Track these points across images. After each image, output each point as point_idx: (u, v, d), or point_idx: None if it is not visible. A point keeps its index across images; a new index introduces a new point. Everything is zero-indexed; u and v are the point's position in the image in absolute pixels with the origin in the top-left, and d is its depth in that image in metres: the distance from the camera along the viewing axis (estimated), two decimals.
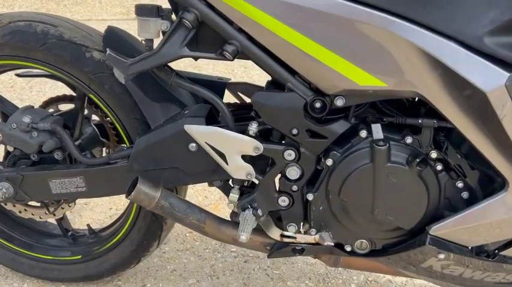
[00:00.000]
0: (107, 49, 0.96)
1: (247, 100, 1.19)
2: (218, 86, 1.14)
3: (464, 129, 0.82)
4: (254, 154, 0.97)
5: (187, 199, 1.70)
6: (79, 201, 1.75)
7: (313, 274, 1.46)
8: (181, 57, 0.94)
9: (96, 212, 1.72)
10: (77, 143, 1.19)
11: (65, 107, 1.26)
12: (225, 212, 1.62)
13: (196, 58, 0.97)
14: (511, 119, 0.76)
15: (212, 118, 1.04)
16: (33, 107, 1.17)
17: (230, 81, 1.17)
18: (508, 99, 0.74)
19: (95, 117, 1.28)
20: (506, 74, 0.74)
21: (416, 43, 0.80)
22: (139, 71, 0.95)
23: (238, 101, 1.21)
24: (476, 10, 0.76)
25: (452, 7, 0.77)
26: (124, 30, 1.12)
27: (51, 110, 1.25)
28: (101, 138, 1.29)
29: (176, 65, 1.02)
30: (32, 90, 2.73)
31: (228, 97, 1.14)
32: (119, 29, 1.11)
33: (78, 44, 1.08)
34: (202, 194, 1.85)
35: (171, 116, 1.07)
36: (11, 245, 1.34)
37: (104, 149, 1.31)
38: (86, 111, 1.24)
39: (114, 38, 1.07)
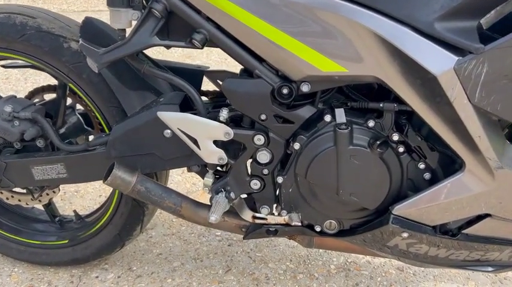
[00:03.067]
0: (80, 39, 1.00)
1: None
2: (196, 74, 1.18)
3: (422, 112, 0.85)
4: (225, 139, 1.00)
5: (176, 186, 1.75)
6: (69, 189, 1.80)
7: (294, 256, 1.50)
8: (152, 46, 0.97)
9: (86, 199, 1.77)
10: (60, 131, 1.24)
11: (50, 96, 1.30)
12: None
13: (167, 47, 1.00)
14: (461, 101, 0.79)
15: (187, 105, 1.08)
16: (15, 96, 1.20)
17: (208, 69, 1.20)
18: (457, 82, 0.77)
19: (80, 106, 1.32)
20: (455, 58, 0.77)
21: (373, 29, 0.82)
22: (111, 60, 0.98)
23: (217, 89, 1.24)
24: None
25: None
26: (101, 21, 1.15)
27: (36, 100, 1.30)
28: (86, 127, 1.32)
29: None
30: (26, 81, 2.78)
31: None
32: (97, 19, 1.14)
33: (56, 35, 1.11)
34: (191, 181, 1.89)
35: (147, 104, 1.10)
36: (0, 231, 1.39)
37: (90, 137, 1.35)
38: (70, 101, 1.28)
39: (90, 29, 1.10)
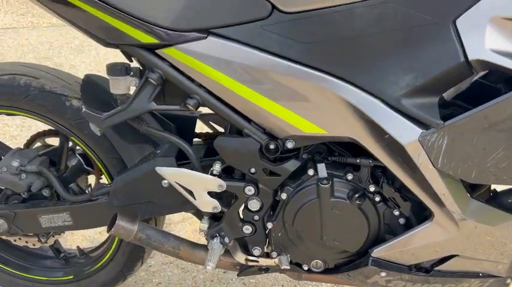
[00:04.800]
0: (82, 107, 1.08)
1: (220, 129, 1.32)
2: (189, 119, 1.27)
3: (393, 170, 0.96)
4: (218, 191, 1.10)
5: None
6: None
7: (286, 280, 1.60)
8: (149, 111, 1.06)
9: (88, 229, 1.85)
10: (63, 175, 1.33)
11: (51, 140, 1.39)
12: None
13: (163, 110, 1.09)
14: (427, 166, 0.89)
15: (183, 155, 1.17)
16: (21, 148, 1.29)
17: (201, 113, 1.29)
18: (422, 151, 0.87)
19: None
20: (420, 130, 0.87)
21: (348, 99, 0.92)
22: (112, 124, 1.07)
23: (210, 131, 1.33)
24: (394, 74, 0.88)
25: (376, 71, 0.90)
26: (100, 77, 1.23)
27: (38, 144, 1.38)
28: (86, 167, 1.41)
29: None
30: None
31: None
32: (96, 76, 1.23)
33: (58, 94, 1.20)
34: None
35: (145, 156, 1.19)
36: (8, 268, 1.47)
37: (89, 176, 1.44)
38: (70, 143, 1.37)
39: (90, 87, 1.19)
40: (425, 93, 0.87)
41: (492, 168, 0.86)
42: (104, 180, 1.35)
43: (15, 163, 1.21)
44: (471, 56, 0.81)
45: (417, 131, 0.87)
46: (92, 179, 1.41)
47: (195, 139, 1.29)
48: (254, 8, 0.96)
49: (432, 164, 0.88)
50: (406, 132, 0.88)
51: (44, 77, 1.21)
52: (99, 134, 1.10)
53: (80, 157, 1.40)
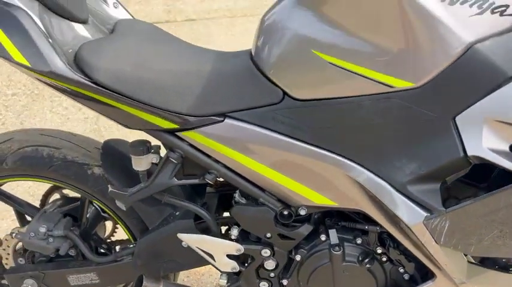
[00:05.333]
0: (109, 186, 1.16)
1: None
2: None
3: (400, 239, 1.05)
4: (236, 254, 1.19)
5: None
6: None
7: None
8: (171, 186, 1.14)
9: None
10: (85, 228, 1.41)
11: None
12: None
13: (184, 185, 1.17)
14: (430, 243, 0.98)
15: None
16: (45, 211, 1.36)
17: None
18: (426, 231, 0.97)
19: None
20: (424, 214, 0.96)
21: (357, 179, 1.01)
22: (137, 200, 1.15)
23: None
24: (399, 161, 0.97)
25: (382, 157, 0.98)
26: (119, 141, 1.30)
27: (56, 196, 1.45)
28: (103, 214, 1.49)
29: None
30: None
31: None
32: (114, 141, 1.30)
33: (80, 163, 1.26)
34: None
35: (165, 218, 1.27)
36: None
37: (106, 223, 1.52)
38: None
39: (110, 154, 1.26)
40: (428, 181, 0.95)
41: (489, 244, 0.95)
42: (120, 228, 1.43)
43: (43, 229, 1.28)
44: (470, 152, 0.89)
45: (422, 214, 0.96)
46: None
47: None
48: (267, 95, 1.03)
49: (435, 241, 0.97)
50: (411, 215, 0.97)
51: (65, 147, 1.28)
52: (124, 209, 1.17)
53: (97, 207, 1.48)
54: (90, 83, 0.98)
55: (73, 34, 1.06)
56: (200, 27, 3.90)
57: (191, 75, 1.07)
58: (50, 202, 1.46)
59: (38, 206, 1.45)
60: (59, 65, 0.95)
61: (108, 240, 1.50)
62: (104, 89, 0.99)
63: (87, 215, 1.43)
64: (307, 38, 0.96)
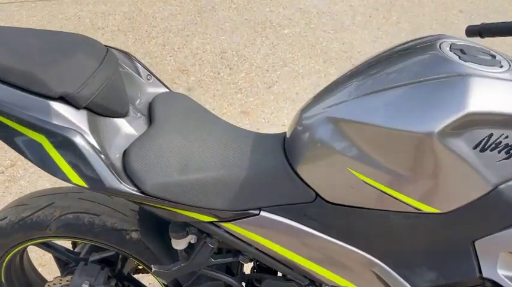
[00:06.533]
0: (152, 266, 1.26)
1: None
2: None
3: None
4: None
5: None
6: None
7: None
8: (208, 265, 1.25)
9: None
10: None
11: None
12: None
13: (219, 264, 1.27)
14: None
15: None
16: (85, 264, 1.47)
17: None
18: None
19: None
20: None
21: (380, 275, 1.12)
22: (176, 276, 1.26)
23: None
24: (420, 268, 1.07)
25: (405, 261, 1.09)
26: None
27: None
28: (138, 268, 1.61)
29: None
30: None
31: None
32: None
33: (119, 230, 1.36)
34: None
35: (198, 277, 1.39)
36: None
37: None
38: None
39: (147, 218, 1.35)
40: None
41: None
42: None
43: (86, 285, 1.40)
44: (485, 274, 1.00)
45: None
46: None
47: None
48: (301, 194, 1.12)
49: None
50: None
51: (104, 213, 1.36)
52: (166, 283, 1.29)
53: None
54: (140, 194, 1.05)
55: (119, 133, 1.12)
56: None
57: (230, 173, 1.14)
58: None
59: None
60: (113, 183, 1.01)
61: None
62: (152, 197, 1.07)
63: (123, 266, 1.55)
64: (343, 157, 1.02)
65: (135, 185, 1.06)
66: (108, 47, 1.22)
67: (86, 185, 1.00)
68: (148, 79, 1.31)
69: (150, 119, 1.22)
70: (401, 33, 3.92)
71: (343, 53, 3.66)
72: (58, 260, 1.57)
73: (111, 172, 1.02)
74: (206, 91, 3.28)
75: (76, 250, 1.58)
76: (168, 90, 1.33)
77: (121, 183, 1.03)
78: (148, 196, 1.06)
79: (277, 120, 3.05)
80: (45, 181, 2.55)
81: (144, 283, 1.63)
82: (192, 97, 1.34)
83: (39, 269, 1.84)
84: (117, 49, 1.25)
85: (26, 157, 1.00)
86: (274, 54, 3.66)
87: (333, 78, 1.18)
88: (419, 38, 1.14)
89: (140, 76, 1.30)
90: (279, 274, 1.36)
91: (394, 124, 0.95)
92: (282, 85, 3.35)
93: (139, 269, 1.60)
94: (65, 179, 1.00)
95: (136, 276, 1.62)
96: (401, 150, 0.96)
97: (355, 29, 3.98)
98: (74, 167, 0.99)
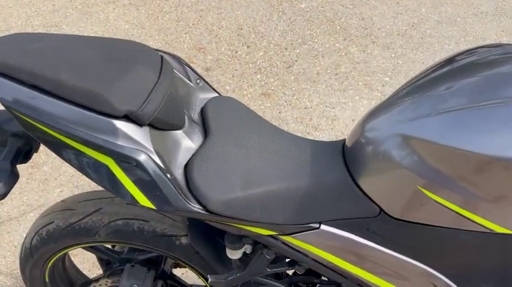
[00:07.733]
0: (208, 276, 1.25)
1: None
2: None
3: None
4: None
5: None
6: None
7: None
8: (263, 274, 1.24)
9: None
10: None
11: None
12: None
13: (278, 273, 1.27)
14: None
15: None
16: (132, 265, 1.46)
17: None
18: None
19: None
20: None
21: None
22: (231, 286, 1.26)
23: None
24: (487, 286, 1.07)
25: (469, 277, 1.08)
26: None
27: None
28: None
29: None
30: None
31: None
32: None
33: (168, 235, 1.34)
34: None
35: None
36: None
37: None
38: None
39: (197, 225, 1.33)
40: None
41: None
42: None
43: None
44: None
45: None
46: None
47: None
48: (363, 208, 1.10)
49: None
50: None
51: (153, 218, 1.35)
52: None
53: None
54: (206, 213, 1.03)
55: (179, 147, 1.08)
56: None
57: (291, 186, 1.11)
58: None
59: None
60: (180, 203, 0.99)
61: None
62: (217, 216, 1.05)
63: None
64: (414, 175, 1.00)
65: (200, 203, 1.04)
66: (159, 51, 1.17)
67: (154, 207, 0.98)
68: (198, 83, 1.26)
69: (205, 128, 1.18)
70: (421, 8, 3.82)
71: (363, 30, 3.57)
72: (100, 260, 1.56)
73: (177, 191, 0.99)
74: (225, 71, 3.21)
75: (116, 248, 1.58)
76: (217, 95, 1.29)
77: (187, 203, 1.01)
78: (215, 214, 1.04)
79: (299, 103, 3.00)
80: (69, 167, 2.53)
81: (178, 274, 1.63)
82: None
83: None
84: (168, 53, 1.20)
85: (92, 178, 0.97)
86: (292, 31, 3.57)
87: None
88: (491, 46, 1.10)
89: (190, 81, 1.25)
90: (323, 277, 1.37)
91: (474, 148, 0.92)
92: (302, 65, 3.28)
93: (177, 263, 1.59)
94: (133, 202, 0.98)
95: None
96: (481, 174, 0.93)
97: (374, 3, 3.86)
98: (142, 189, 0.96)
